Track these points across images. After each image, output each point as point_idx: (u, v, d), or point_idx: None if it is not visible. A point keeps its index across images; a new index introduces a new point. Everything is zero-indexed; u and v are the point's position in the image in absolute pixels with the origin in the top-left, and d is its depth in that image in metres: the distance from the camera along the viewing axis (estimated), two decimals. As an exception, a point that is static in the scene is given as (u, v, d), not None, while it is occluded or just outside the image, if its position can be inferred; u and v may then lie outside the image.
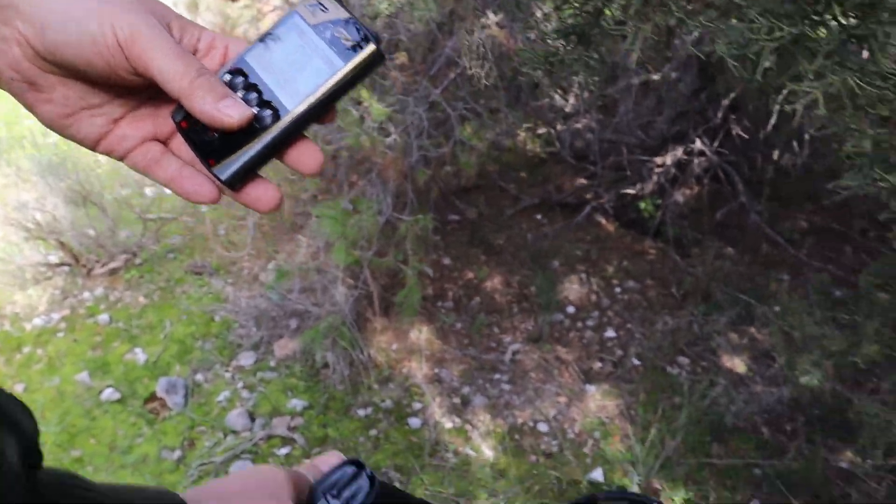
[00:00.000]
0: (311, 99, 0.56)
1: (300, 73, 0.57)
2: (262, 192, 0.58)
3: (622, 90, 4.08)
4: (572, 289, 3.89)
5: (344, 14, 0.57)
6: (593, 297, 3.86)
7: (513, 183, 4.74)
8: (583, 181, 4.79)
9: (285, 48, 0.58)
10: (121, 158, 0.61)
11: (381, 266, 3.34)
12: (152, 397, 3.20)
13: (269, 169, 0.58)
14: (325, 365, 3.28)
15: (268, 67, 0.57)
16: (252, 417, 3.08)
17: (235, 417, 3.06)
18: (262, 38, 0.59)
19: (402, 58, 3.65)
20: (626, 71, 3.75)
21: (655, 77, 4.13)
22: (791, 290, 3.55)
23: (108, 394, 3.20)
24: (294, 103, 0.56)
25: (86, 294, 3.73)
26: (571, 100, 4.40)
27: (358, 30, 0.57)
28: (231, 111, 0.54)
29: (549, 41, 1.47)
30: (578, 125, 4.73)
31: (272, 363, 3.33)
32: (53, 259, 3.83)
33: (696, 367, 3.48)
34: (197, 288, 3.76)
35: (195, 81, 0.54)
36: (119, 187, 4.34)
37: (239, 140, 0.56)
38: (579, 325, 3.68)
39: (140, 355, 3.37)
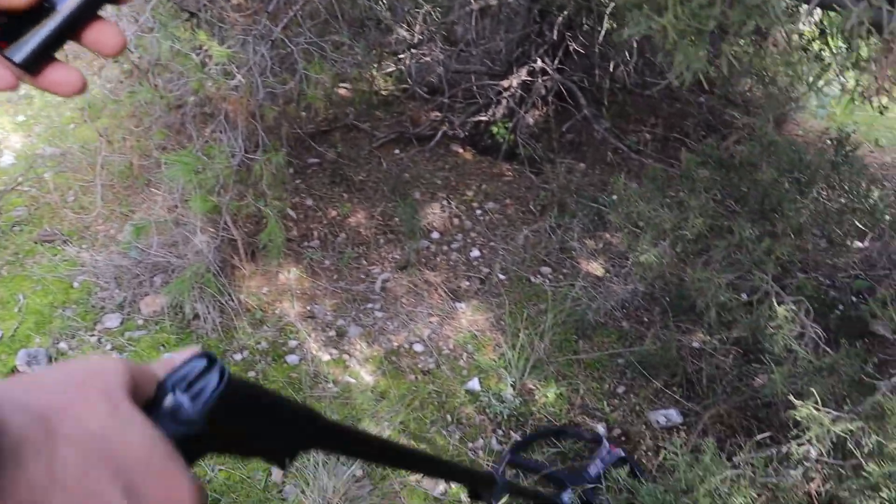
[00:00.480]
0: None
1: None
2: (62, 75, 0.55)
3: (461, 16, 4.15)
4: (435, 216, 3.99)
5: None
6: (456, 222, 3.97)
7: (368, 122, 4.76)
8: (437, 114, 4.87)
9: None
10: None
11: (241, 210, 3.30)
12: (13, 371, 3.07)
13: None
14: (196, 316, 3.24)
15: None
16: (124, 376, 3.02)
17: (106, 378, 2.98)
18: None
19: (236, -2, 3.57)
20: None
21: (492, 2, 4.23)
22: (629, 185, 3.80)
23: (-36, 374, 3.04)
24: None
25: (-76, 277, 3.49)
26: (416, 30, 4.44)
27: None
28: None
29: None
30: (427, 58, 4.79)
31: (140, 321, 3.26)
32: None
33: (558, 275, 3.68)
34: (50, 257, 3.59)
35: None
36: (-53, 163, 4.05)
37: (29, 20, 0.53)
38: (445, 248, 3.79)
39: (-6, 332, 3.21)
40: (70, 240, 3.67)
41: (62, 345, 3.17)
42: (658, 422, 3.00)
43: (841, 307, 3.17)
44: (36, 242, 3.69)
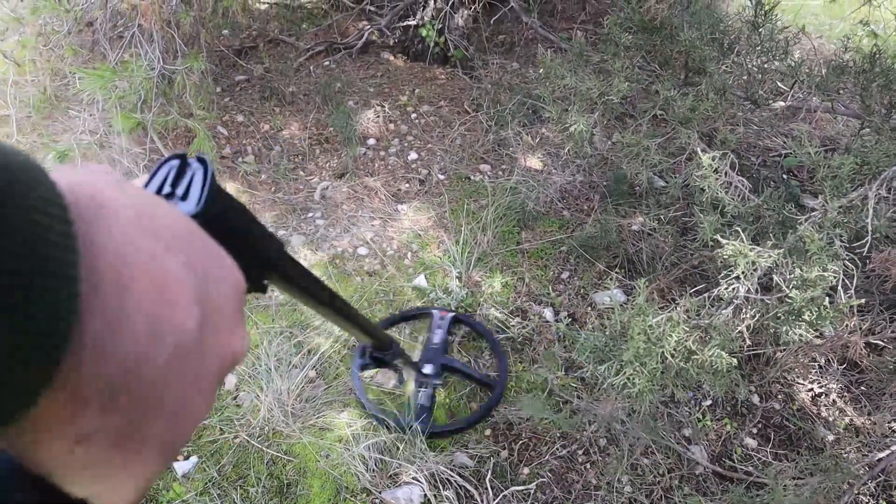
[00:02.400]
0: None
1: None
2: None
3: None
4: (370, 122, 3.93)
5: None
6: (391, 127, 3.93)
7: (296, 36, 4.63)
8: (365, 23, 4.76)
9: None
10: None
11: (167, 127, 3.21)
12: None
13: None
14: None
15: None
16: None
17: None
18: None
19: None
20: None
21: None
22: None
23: None
24: None
25: None
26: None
27: None
28: None
29: None
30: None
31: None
32: None
33: (497, 171, 3.68)
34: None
35: None
36: None
37: None
38: (382, 154, 3.75)
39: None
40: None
41: None
42: (603, 302, 3.07)
43: (772, 184, 3.25)
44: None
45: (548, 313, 2.97)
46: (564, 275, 3.17)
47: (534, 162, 3.74)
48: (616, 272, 3.16)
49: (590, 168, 3.54)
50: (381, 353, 1.40)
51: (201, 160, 0.47)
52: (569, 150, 2.70)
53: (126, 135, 3.13)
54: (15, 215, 0.27)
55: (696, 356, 1.60)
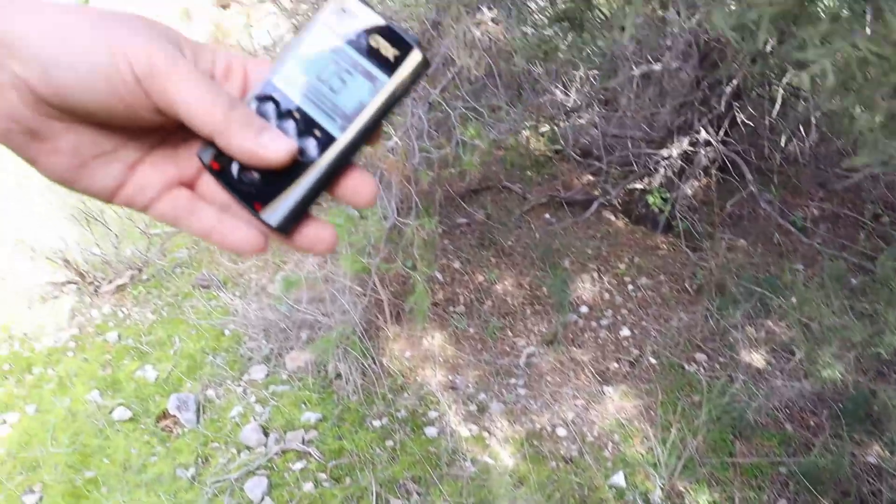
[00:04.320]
0: (360, 122, 0.49)
1: (340, 94, 0.50)
2: (316, 232, 0.50)
3: (623, 82, 4.02)
4: (585, 288, 3.84)
5: (376, 19, 0.50)
6: (606, 296, 3.81)
7: (519, 183, 4.69)
8: (590, 177, 4.75)
9: (316, 65, 0.50)
10: (144, 209, 0.52)
11: (389, 272, 3.29)
12: (164, 415, 3.16)
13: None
14: (338, 375, 3.24)
15: (300, 89, 0.50)
16: (266, 432, 3.04)
17: (249, 433, 3.01)
18: (286, 56, 0.51)
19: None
20: (626, 62, 3.69)
21: (656, 67, 4.07)
22: (806, 281, 3.50)
23: (120, 412, 3.15)
24: (340, 129, 0.49)
25: (94, 312, 3.69)
26: (573, 94, 4.35)
27: (397, 36, 0.49)
28: (274, 145, 0.47)
29: (542, 30, 1.41)
30: (582, 121, 4.69)
31: (284, 376, 3.29)
32: (60, 278, 3.79)
33: (714, 364, 3.43)
34: (205, 302, 3.72)
35: (229, 115, 0.46)
36: (122, 203, 4.30)
37: (284, 178, 0.49)
38: (593, 324, 3.63)
39: (150, 372, 3.33)
40: (224, 286, 3.79)
41: (210, 392, 3.25)
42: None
43: None
44: (193, 287, 3.83)
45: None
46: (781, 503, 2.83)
47: (756, 359, 3.45)
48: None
49: (822, 383, 3.20)
50: None
51: None
52: (812, 381, 2.43)
53: (350, 274, 3.24)
54: None
55: None
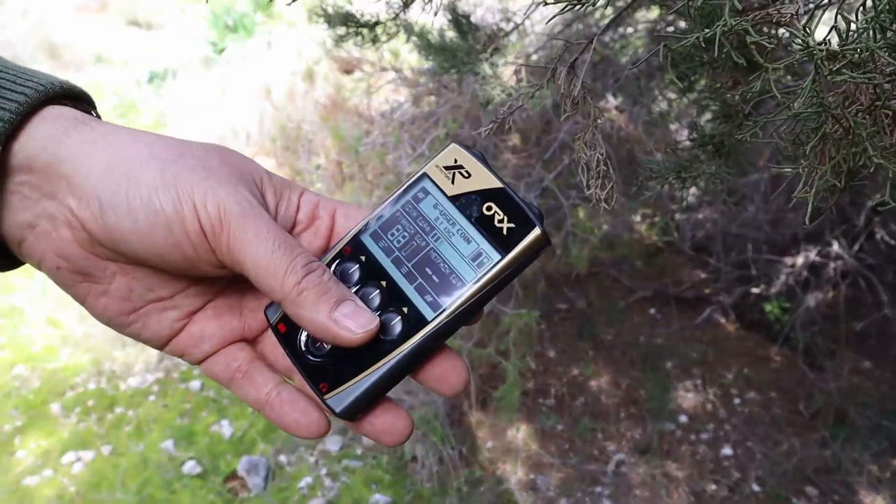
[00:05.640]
0: (457, 304, 0.41)
1: (440, 265, 0.42)
2: (388, 422, 0.43)
3: (752, 184, 3.79)
4: (686, 396, 3.56)
5: (493, 182, 0.41)
6: (709, 407, 3.51)
7: (626, 272, 4.47)
8: (702, 275, 4.48)
9: (415, 226, 0.43)
10: (196, 363, 0.48)
11: (480, 357, 3.14)
12: (233, 475, 3.08)
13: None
14: (414, 458, 3.08)
15: (392, 253, 0.43)
16: (332, 510, 2.91)
17: (315, 508, 2.89)
18: (382, 209, 0.44)
19: (515, 139, 3.52)
20: (759, 169, 3.46)
21: (788, 170, 3.82)
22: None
23: (190, 466, 3.10)
24: (433, 308, 0.41)
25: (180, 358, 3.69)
26: (693, 190, 4.14)
27: (516, 207, 0.41)
28: (351, 323, 0.40)
29: (679, 152, 1.26)
30: (700, 216, 4.46)
31: (358, 451, 3.16)
32: (155, 320, 3.83)
33: (827, 501, 3.07)
34: (290, 361, 3.66)
35: (302, 282, 0.40)
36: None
37: (360, 358, 0.41)
38: (692, 437, 3.34)
39: (226, 428, 3.28)
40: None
41: (282, 458, 3.15)
42: None
43: None
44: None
45: None
46: None
47: (878, 502, 3.07)
48: None
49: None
50: None
51: None
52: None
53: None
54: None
55: None
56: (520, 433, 3.23)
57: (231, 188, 0.40)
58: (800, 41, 0.45)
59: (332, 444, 3.19)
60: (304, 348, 0.43)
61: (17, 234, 0.41)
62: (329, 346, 0.42)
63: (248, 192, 0.41)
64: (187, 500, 2.97)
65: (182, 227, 0.39)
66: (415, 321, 0.41)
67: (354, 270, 0.43)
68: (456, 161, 0.42)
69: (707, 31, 0.51)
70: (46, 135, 0.39)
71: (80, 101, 0.44)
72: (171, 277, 0.44)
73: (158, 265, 0.42)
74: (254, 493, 2.99)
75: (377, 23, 1.72)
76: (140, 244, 0.39)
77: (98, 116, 0.44)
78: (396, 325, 0.41)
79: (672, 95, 2.99)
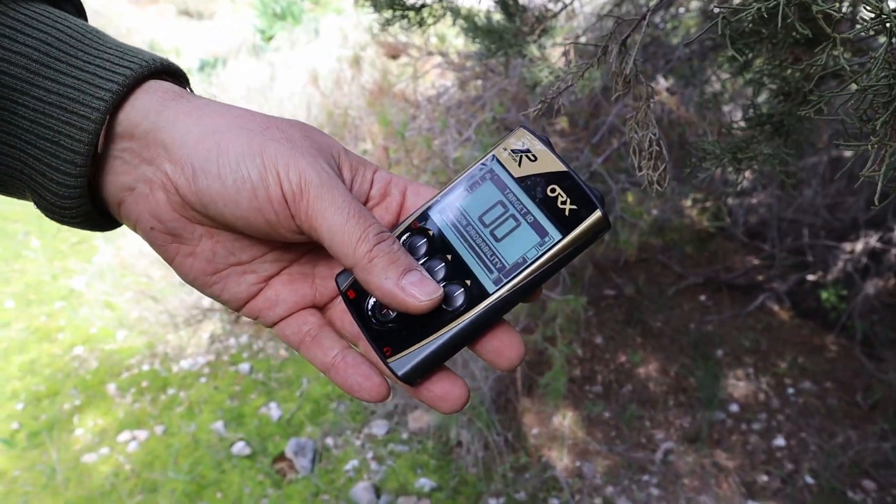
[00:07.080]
0: (518, 280, 0.43)
1: (503, 242, 0.44)
2: (446, 389, 0.45)
3: (810, 167, 3.68)
4: (737, 384, 3.49)
5: (558, 166, 0.44)
6: (761, 396, 3.43)
7: (676, 258, 4.40)
8: (755, 261, 4.38)
9: (482, 205, 0.45)
10: (269, 325, 0.51)
11: (527, 343, 3.11)
12: (281, 457, 3.12)
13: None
14: (459, 443, 3.08)
15: (459, 229, 0.45)
16: (378, 493, 2.92)
17: (361, 491, 2.90)
18: (451, 188, 0.46)
19: (563, 123, 3.47)
20: (817, 151, 3.36)
21: (849, 153, 3.70)
22: None
23: (240, 447, 3.15)
24: (495, 282, 0.43)
25: (231, 341, 3.75)
26: (747, 173, 4.03)
27: (579, 189, 0.44)
28: (417, 291, 0.42)
29: (735, 132, 1.21)
30: (754, 200, 4.35)
31: (404, 435, 3.17)
32: (206, 303, 3.89)
33: (886, 496, 2.98)
34: (338, 345, 3.69)
35: (373, 250, 0.42)
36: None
37: (423, 325, 0.44)
38: (743, 427, 3.27)
39: (275, 411, 3.32)
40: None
41: (329, 440, 3.18)
42: None
43: None
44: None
45: None
46: None
47: (938, 497, 2.97)
48: None
49: None
50: None
51: None
52: None
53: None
54: None
55: None
56: (566, 420, 3.20)
57: (312, 160, 0.43)
58: (872, 8, 0.42)
59: (379, 428, 3.21)
60: (370, 314, 0.46)
61: (117, 196, 0.45)
62: (394, 314, 0.45)
63: (327, 165, 0.44)
64: (237, 480, 3.02)
65: (266, 193, 0.42)
66: (476, 293, 0.43)
67: (422, 244, 0.45)
68: (523, 145, 0.45)
69: (769, 0, 0.48)
70: (147, 106, 0.43)
71: (177, 76, 0.48)
72: (252, 243, 0.47)
73: (243, 229, 0.44)
74: (301, 474, 3.02)
75: (423, 5, 1.70)
76: (227, 208, 0.42)
77: (192, 91, 0.48)
78: (459, 296, 0.43)
79: (725, 76, 2.91)
